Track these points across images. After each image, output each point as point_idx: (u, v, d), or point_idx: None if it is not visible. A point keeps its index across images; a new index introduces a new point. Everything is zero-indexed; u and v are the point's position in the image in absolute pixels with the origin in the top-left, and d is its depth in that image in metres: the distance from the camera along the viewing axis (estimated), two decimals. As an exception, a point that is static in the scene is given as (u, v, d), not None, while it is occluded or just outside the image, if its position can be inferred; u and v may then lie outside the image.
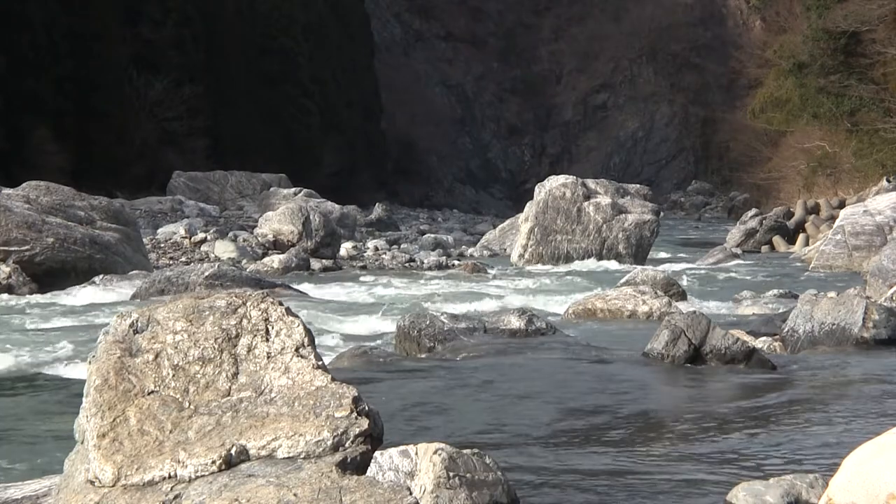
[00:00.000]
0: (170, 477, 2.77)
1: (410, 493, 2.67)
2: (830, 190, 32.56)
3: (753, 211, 29.28)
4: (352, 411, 2.86)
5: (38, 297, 12.61)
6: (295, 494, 2.60)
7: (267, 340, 3.09)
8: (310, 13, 52.69)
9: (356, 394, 2.91)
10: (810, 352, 7.64)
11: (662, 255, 22.50)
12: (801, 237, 25.23)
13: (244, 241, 19.60)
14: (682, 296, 12.14)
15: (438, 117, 70.23)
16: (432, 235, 26.66)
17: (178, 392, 2.97)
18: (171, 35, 41.32)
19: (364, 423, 2.84)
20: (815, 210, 27.89)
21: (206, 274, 12.53)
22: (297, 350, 3.07)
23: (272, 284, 12.93)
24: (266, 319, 3.14)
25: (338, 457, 2.77)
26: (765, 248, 24.98)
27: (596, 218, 20.01)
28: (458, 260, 20.31)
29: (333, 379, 2.99)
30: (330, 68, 53.73)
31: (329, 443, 2.80)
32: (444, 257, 20.23)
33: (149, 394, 2.96)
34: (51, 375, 7.38)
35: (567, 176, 21.34)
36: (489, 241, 24.31)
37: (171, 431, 2.86)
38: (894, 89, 31.96)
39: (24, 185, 15.26)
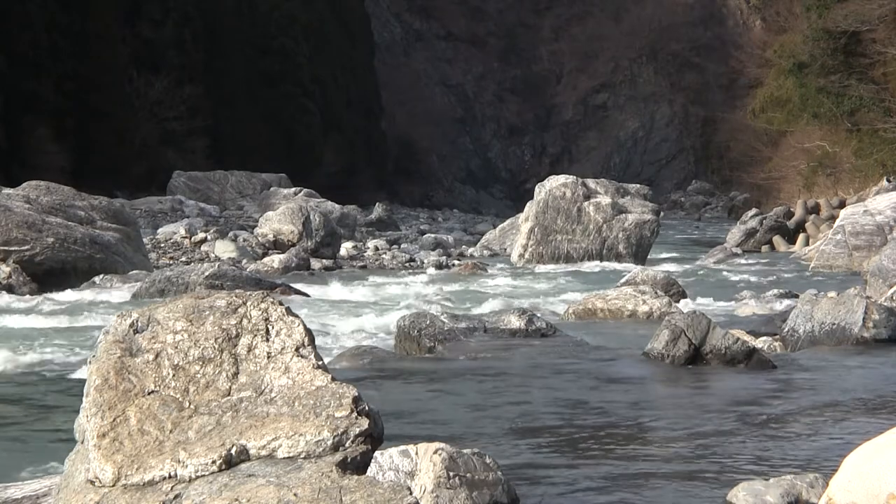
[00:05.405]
0: (170, 477, 2.77)
1: (410, 493, 2.67)
2: (830, 190, 32.54)
3: (753, 211, 29.25)
4: (352, 411, 2.86)
5: (38, 297, 12.60)
6: (295, 494, 2.60)
7: (267, 340, 3.09)
8: (310, 13, 52.69)
9: (356, 393, 2.91)
10: (810, 351, 7.64)
11: (663, 255, 22.49)
12: (801, 237, 25.21)
13: (244, 240, 19.59)
14: (682, 295, 12.13)
15: (438, 117, 70.21)
16: (432, 235, 26.63)
17: (178, 392, 2.97)
18: (171, 35, 41.35)
19: (364, 423, 2.84)
20: (816, 210, 27.86)
21: (207, 274, 12.54)
22: (297, 350, 3.06)
23: (272, 284, 12.93)
24: (266, 319, 3.14)
25: (338, 457, 2.77)
26: (765, 248, 24.95)
27: (596, 218, 20.00)
28: (459, 260, 20.29)
29: (333, 379, 2.98)
30: (330, 68, 53.73)
31: (329, 443, 2.80)
32: (444, 257, 20.21)
33: (149, 394, 2.96)
34: (50, 375, 7.38)
35: (567, 176, 21.32)
36: (489, 241, 24.29)
37: (171, 431, 2.86)
38: (894, 89, 31.95)
39: (24, 185, 15.26)
